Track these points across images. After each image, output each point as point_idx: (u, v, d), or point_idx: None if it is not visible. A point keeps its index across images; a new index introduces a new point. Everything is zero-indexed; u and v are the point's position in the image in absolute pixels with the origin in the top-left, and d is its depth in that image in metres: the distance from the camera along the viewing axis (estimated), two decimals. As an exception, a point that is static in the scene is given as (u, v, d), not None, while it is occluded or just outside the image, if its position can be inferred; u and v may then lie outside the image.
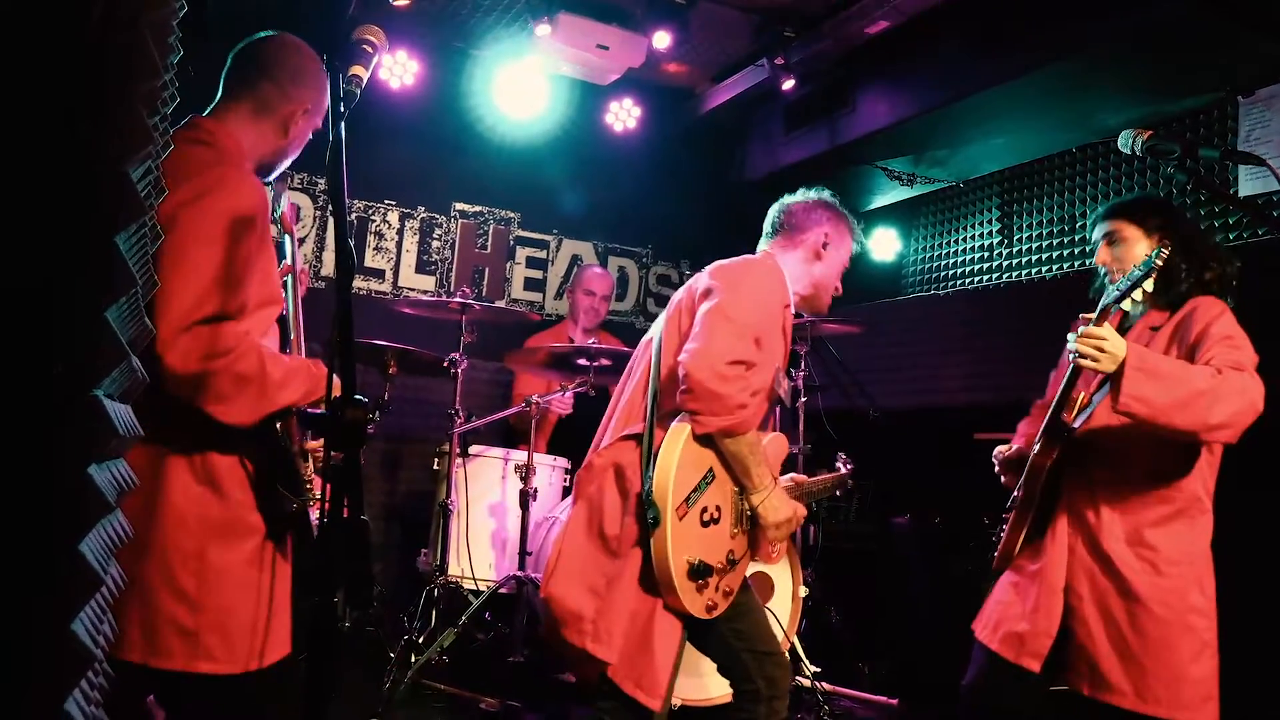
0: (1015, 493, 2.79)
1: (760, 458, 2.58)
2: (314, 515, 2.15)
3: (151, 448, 2.00)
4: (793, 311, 2.80)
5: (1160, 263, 2.40)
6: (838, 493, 3.51)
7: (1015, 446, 2.95)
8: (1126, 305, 2.47)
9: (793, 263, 2.82)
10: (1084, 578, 2.57)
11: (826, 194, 2.96)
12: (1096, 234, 2.82)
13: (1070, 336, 2.51)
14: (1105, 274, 2.79)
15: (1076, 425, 2.65)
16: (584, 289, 5.40)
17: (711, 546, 2.53)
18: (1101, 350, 2.38)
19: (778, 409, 2.92)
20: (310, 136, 2.36)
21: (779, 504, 2.62)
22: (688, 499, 2.46)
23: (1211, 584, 2.54)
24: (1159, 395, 2.33)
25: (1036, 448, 2.67)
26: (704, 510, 2.52)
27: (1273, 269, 3.97)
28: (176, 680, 2.01)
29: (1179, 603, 2.48)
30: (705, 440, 2.52)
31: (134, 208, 1.17)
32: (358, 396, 1.53)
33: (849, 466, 3.53)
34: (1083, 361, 2.43)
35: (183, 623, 1.99)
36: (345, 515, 1.40)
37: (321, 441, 2.13)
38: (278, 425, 2.06)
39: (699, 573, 2.46)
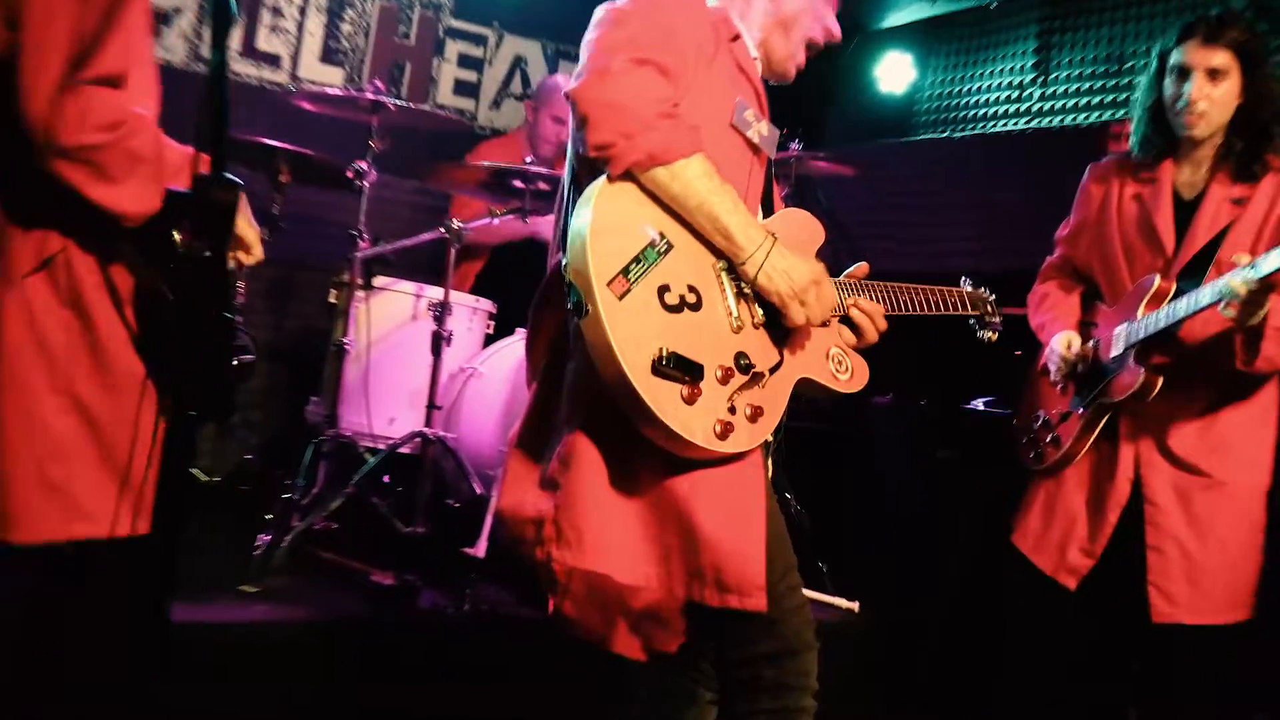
0: (1089, 399, 2.97)
1: (731, 198, 2.14)
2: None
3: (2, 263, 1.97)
4: (752, 55, 2.43)
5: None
6: (971, 317, 2.87)
7: (1085, 343, 3.08)
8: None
9: (740, 7, 2.44)
10: (1164, 484, 2.81)
11: None
12: (1195, 59, 2.80)
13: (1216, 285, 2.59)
14: (1181, 112, 2.82)
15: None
16: (553, 115, 5.19)
17: (694, 340, 2.10)
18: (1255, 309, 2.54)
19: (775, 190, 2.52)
20: None
21: (782, 265, 2.16)
22: (626, 271, 2.03)
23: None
24: None
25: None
26: (663, 290, 2.08)
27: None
28: (49, 556, 2.00)
29: (1255, 504, 2.83)
30: (639, 196, 2.11)
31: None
32: (228, 176, 1.51)
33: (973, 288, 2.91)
34: (1228, 313, 2.54)
35: (50, 475, 1.97)
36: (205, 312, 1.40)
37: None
38: (175, 235, 2.05)
39: (672, 367, 2.02)
